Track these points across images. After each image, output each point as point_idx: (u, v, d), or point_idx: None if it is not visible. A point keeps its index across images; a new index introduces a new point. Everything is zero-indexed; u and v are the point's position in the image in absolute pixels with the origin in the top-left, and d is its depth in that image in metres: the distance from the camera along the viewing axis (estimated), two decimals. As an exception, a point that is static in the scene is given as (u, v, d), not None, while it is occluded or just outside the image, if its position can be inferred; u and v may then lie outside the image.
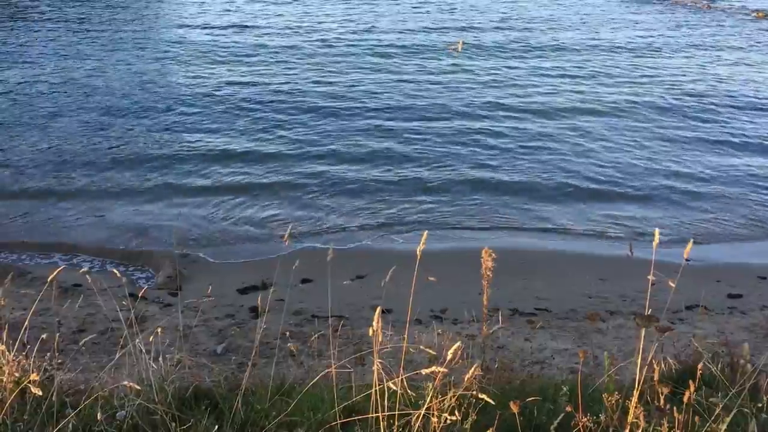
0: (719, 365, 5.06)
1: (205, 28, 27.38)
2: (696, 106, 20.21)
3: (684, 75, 23.02)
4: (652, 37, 27.89)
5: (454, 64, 23.36)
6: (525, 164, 16.14)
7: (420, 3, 32.23)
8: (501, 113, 19.15)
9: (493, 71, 22.83)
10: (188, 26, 27.71)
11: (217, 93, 20.43)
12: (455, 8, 31.48)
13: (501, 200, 14.54)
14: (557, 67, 23.56)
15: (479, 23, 29.04)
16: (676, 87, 21.83)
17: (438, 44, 25.79)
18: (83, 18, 28.62)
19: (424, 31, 27.59)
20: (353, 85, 21.12)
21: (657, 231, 4.37)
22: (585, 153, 16.80)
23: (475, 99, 20.13)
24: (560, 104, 19.85)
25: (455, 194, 14.71)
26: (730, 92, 21.26)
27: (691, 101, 20.50)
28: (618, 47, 26.26)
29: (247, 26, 27.72)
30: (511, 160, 16.33)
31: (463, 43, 25.26)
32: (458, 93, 20.66)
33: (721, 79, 22.57)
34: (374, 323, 3.90)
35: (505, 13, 30.98)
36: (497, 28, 28.42)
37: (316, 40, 25.84)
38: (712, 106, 20.14)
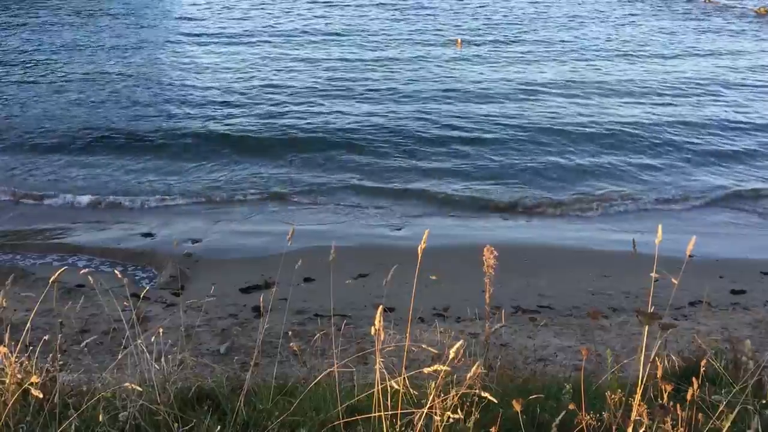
0: (723, 362, 5.03)
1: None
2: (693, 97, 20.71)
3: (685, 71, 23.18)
4: (646, 29, 28.13)
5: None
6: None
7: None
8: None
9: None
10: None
11: (225, 89, 20.55)
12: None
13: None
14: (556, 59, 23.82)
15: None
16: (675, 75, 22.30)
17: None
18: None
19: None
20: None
21: (660, 227, 4.32)
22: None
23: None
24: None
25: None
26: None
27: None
28: (613, 40, 26.58)
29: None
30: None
31: (461, 41, 25.61)
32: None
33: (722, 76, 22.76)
34: (376, 322, 3.88)
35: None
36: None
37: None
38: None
